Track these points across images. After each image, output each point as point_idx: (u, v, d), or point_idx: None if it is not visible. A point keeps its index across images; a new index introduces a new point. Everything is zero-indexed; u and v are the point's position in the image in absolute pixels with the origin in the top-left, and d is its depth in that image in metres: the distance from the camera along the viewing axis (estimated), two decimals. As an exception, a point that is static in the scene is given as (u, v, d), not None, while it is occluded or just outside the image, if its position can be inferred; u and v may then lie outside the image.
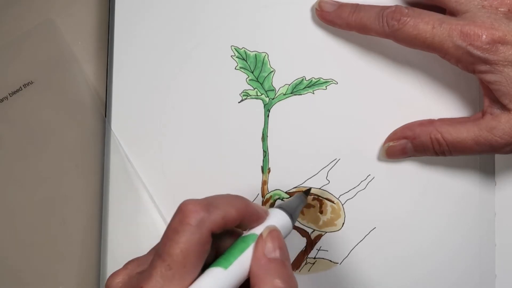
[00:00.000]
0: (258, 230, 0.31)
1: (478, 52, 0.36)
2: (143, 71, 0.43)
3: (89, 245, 0.43)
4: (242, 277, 0.29)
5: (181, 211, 0.28)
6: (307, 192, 0.37)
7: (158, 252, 0.28)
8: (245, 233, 0.31)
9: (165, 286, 0.27)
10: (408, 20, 0.37)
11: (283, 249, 0.30)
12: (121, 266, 0.31)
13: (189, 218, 0.28)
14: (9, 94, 0.43)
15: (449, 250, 0.42)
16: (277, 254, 0.29)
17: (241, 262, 0.29)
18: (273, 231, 0.30)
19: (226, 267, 0.28)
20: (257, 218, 0.31)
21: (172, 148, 0.43)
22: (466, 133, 0.37)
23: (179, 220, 0.28)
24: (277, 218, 0.32)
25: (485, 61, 0.36)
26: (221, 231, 0.29)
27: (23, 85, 0.44)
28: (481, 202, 0.42)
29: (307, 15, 0.42)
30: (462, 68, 0.37)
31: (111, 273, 0.30)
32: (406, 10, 0.37)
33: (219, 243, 0.31)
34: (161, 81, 0.43)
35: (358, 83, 0.42)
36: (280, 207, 0.33)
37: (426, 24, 0.37)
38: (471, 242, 0.42)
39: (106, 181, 0.42)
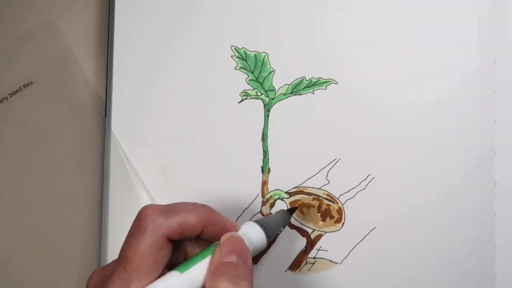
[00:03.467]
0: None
1: None
2: (143, 71, 0.43)
3: (89, 245, 0.43)
4: (198, 283, 0.29)
5: (139, 216, 0.29)
6: (292, 210, 0.38)
7: (118, 256, 0.29)
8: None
9: (123, 287, 0.28)
10: None
11: (242, 254, 0.30)
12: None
13: (145, 222, 0.28)
14: (9, 95, 0.43)
15: (449, 250, 0.42)
16: (233, 258, 0.29)
17: (198, 268, 0.29)
18: (232, 238, 0.30)
19: (182, 271, 0.29)
20: (222, 229, 0.31)
21: (172, 148, 0.43)
22: None
23: (136, 224, 0.29)
24: (249, 231, 0.32)
25: None
26: (180, 238, 0.29)
27: (23, 86, 0.44)
28: (481, 202, 0.42)
29: (307, 15, 0.42)
30: None
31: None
32: None
33: (191, 253, 0.31)
34: (161, 81, 0.43)
35: (358, 83, 0.42)
36: (255, 221, 0.33)
37: None
38: (471, 242, 0.42)
39: (106, 181, 0.42)
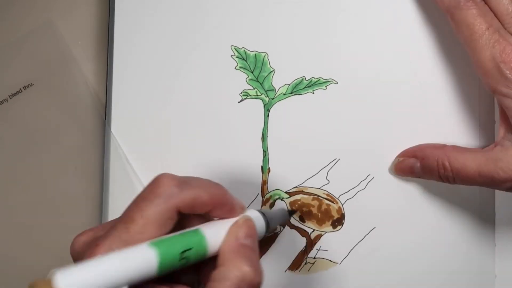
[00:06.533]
0: (227, 221, 0.30)
1: (507, 72, 0.34)
2: (143, 72, 0.43)
3: (89, 246, 0.43)
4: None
5: (155, 181, 0.29)
6: (292, 213, 0.39)
7: (121, 216, 0.28)
8: (215, 220, 0.31)
9: (118, 247, 0.27)
10: (473, 7, 0.36)
11: (254, 239, 0.30)
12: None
13: (159, 188, 0.28)
14: (9, 96, 0.44)
15: (449, 250, 0.42)
16: (248, 241, 0.29)
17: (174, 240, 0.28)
18: (249, 221, 0.30)
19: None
20: (230, 210, 0.30)
21: (172, 149, 0.43)
22: (472, 161, 0.36)
23: (150, 189, 0.28)
24: (253, 217, 0.31)
25: (509, 84, 0.34)
26: (188, 212, 0.29)
27: (23, 87, 0.44)
28: (481, 202, 0.42)
29: (307, 14, 0.42)
30: (485, 83, 0.36)
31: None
32: (478, 0, 0.36)
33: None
34: (161, 82, 0.43)
35: (358, 83, 0.42)
36: (259, 210, 0.33)
37: (484, 22, 0.35)
38: (471, 242, 0.42)
39: (106, 183, 0.42)
